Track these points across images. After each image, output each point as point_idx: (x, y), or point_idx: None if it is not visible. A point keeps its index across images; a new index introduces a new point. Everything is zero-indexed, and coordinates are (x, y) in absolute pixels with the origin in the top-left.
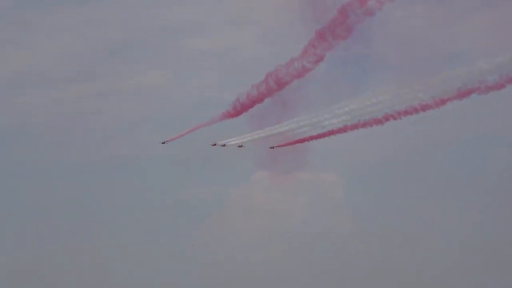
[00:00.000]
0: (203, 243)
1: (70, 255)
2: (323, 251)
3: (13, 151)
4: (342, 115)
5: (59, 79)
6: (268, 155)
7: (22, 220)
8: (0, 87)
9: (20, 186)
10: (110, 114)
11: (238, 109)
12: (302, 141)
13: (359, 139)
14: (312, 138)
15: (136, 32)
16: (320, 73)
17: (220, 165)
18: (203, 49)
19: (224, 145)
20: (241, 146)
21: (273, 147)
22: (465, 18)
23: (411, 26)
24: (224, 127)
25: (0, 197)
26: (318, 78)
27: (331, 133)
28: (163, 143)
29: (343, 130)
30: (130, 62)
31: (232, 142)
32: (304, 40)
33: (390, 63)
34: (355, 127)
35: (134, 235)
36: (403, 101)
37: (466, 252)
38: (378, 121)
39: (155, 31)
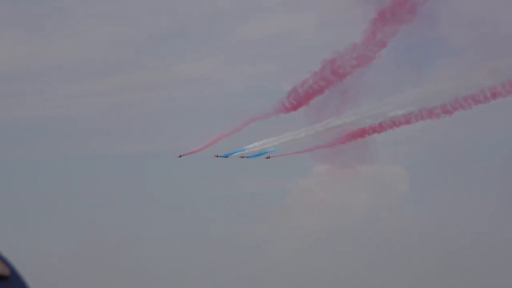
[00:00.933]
0: (260, 241)
1: (115, 247)
2: (387, 249)
3: (58, 144)
4: (406, 105)
5: (105, 69)
6: (330, 149)
7: (67, 213)
8: (43, 78)
9: (64, 180)
10: (158, 105)
11: (295, 103)
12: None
13: (426, 129)
14: (374, 130)
15: (185, 18)
16: (382, 60)
17: (279, 158)
18: (257, 35)
19: (227, 157)
20: (243, 157)
21: (269, 157)
22: None
23: (479, 5)
24: (280, 119)
25: (40, 189)
26: (380, 65)
27: (394, 124)
28: (180, 156)
29: (408, 121)
30: (180, 50)
31: (236, 154)
32: (364, 24)
33: (457, 46)
34: (421, 117)
35: (186, 232)
36: (472, 88)
37: None
38: (447, 111)
39: (206, 16)
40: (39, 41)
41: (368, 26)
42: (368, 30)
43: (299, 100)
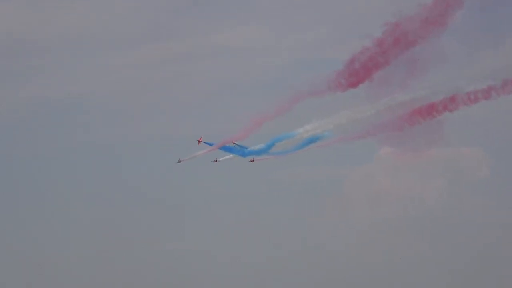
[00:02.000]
0: (318, 233)
1: (151, 238)
2: (464, 243)
3: (77, 124)
4: (485, 77)
5: (127, 40)
6: (395, 130)
7: (87, 197)
8: (59, 51)
9: (85, 163)
10: (189, 81)
11: (354, 80)
12: (423, 114)
13: (510, 105)
14: (447, 107)
15: None
16: (456, 24)
17: (338, 141)
18: None
19: (216, 161)
20: (216, 161)
21: (253, 160)
22: None
23: None
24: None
25: (60, 172)
26: (454, 30)
27: (471, 100)
28: (179, 161)
29: (487, 95)
30: (215, 15)
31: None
32: None
33: None
34: (502, 91)
35: (238, 223)
36: None
37: None
38: None
39: None
40: (46, 5)
41: None
42: None
43: (358, 74)
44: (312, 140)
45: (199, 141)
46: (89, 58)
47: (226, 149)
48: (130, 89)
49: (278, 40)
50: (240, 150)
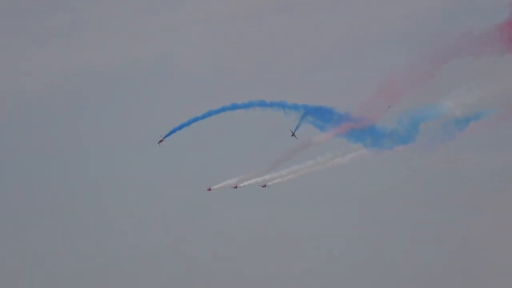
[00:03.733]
0: (482, 234)
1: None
2: None
3: (149, 106)
4: None
5: None
6: None
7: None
8: (126, 12)
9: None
10: (291, 37)
11: None
12: None
13: None
14: None
15: None
16: None
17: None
18: None
19: (236, 187)
20: (236, 187)
21: (265, 186)
22: None
23: None
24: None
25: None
26: None
27: None
28: (209, 190)
29: None
30: None
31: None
32: None
33: None
34: None
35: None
36: None
37: None
38: None
39: None
40: None
41: None
42: None
43: None
44: (469, 119)
45: (160, 141)
46: (168, 19)
47: (351, 136)
48: (219, 61)
49: None
50: (371, 138)
